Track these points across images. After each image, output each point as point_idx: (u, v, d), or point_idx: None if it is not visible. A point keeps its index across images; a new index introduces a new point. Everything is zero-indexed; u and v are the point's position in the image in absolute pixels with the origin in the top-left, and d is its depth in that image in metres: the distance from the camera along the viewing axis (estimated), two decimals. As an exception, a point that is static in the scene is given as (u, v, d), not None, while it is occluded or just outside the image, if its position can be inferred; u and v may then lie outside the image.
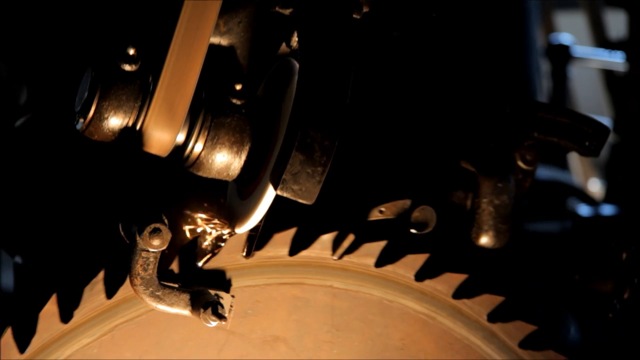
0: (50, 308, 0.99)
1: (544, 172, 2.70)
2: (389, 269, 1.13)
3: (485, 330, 1.17)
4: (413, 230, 1.20)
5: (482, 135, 1.29)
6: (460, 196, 1.29)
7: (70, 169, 1.29)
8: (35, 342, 0.99)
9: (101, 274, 1.01)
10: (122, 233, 0.99)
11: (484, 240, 1.26)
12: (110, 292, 1.01)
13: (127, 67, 0.94)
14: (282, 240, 1.10)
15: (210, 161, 1.01)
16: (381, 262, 1.13)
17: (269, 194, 1.00)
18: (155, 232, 0.94)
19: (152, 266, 0.97)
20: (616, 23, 3.40)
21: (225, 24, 1.02)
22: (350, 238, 1.13)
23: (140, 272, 0.96)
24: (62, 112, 1.24)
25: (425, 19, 1.37)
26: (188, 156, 1.01)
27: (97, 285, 1.01)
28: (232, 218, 1.12)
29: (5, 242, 1.34)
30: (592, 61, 3.45)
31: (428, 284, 1.15)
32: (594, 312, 1.57)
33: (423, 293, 1.15)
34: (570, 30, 3.77)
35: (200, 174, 1.04)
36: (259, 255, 1.09)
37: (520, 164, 1.28)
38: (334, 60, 0.98)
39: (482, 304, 1.17)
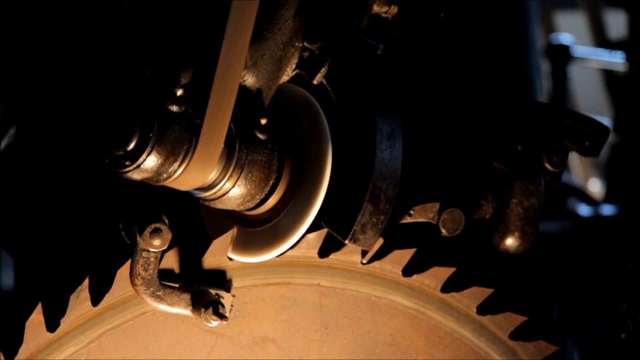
0: (36, 317, 0.99)
1: None
2: (376, 265, 1.13)
3: (475, 322, 1.17)
4: (443, 232, 1.20)
5: (511, 137, 1.30)
6: (488, 198, 1.29)
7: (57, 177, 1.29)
8: (23, 352, 0.99)
9: (86, 282, 1.01)
10: (122, 233, 0.99)
11: (510, 241, 1.26)
12: (95, 299, 1.00)
13: (175, 109, 0.91)
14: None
15: (236, 196, 1.01)
16: (368, 258, 1.13)
17: (302, 229, 1.03)
18: (156, 232, 0.94)
19: (152, 266, 0.97)
20: (616, 23, 3.41)
21: (251, 58, 1.02)
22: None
23: (140, 272, 0.96)
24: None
25: (433, 20, 1.38)
26: (214, 193, 1.00)
27: (82, 293, 1.00)
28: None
29: (5, 242, 1.33)
30: (592, 61, 3.46)
31: (416, 278, 1.14)
32: (607, 329, 1.57)
33: (411, 288, 1.15)
34: (570, 30, 3.77)
35: (218, 207, 1.04)
36: (245, 256, 1.09)
37: (548, 166, 1.29)
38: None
39: (471, 297, 1.17)
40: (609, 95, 3.47)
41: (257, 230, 1.09)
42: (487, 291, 1.17)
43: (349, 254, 1.12)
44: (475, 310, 1.17)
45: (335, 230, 1.04)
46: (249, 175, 0.99)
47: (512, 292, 1.24)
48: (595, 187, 3.61)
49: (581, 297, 1.59)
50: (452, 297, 1.16)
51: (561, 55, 3.34)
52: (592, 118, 1.33)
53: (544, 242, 2.06)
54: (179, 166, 0.92)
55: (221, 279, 1.08)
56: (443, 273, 1.16)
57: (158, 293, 0.98)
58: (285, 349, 1.10)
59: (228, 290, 1.06)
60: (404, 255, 1.14)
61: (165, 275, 1.01)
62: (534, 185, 1.24)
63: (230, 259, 1.07)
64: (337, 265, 1.12)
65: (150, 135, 0.89)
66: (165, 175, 0.92)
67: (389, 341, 1.14)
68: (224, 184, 0.98)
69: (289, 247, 1.05)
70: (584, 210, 2.75)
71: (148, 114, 0.90)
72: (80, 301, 1.01)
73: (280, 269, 1.10)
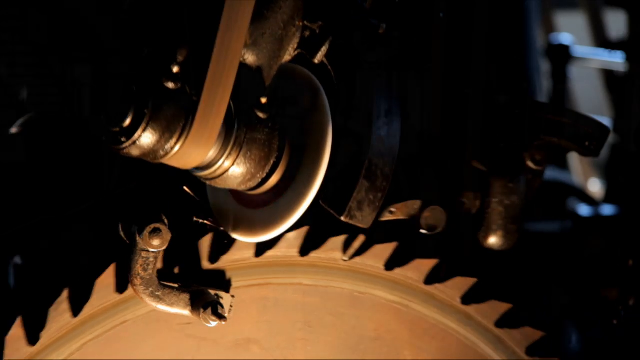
0: (16, 332, 0.99)
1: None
2: (357, 261, 1.12)
3: (460, 313, 1.17)
4: (423, 231, 1.19)
5: (492, 136, 1.29)
6: (470, 196, 1.28)
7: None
8: (5, 367, 0.99)
9: (65, 293, 1.00)
10: (122, 233, 0.99)
11: (493, 240, 1.25)
12: (75, 310, 1.00)
13: (171, 85, 0.91)
14: (246, 243, 1.09)
15: (236, 175, 0.99)
16: (350, 255, 1.12)
17: (303, 207, 1.01)
18: (155, 232, 0.94)
19: (152, 266, 0.97)
20: (616, 23, 3.39)
21: (251, 36, 1.01)
22: (316, 234, 1.12)
23: (140, 272, 0.96)
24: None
25: (432, 19, 1.37)
26: (214, 171, 0.99)
27: (61, 305, 1.00)
28: (229, 222, 1.11)
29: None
30: (592, 61, 3.44)
31: (398, 272, 1.14)
32: (599, 317, 1.58)
33: (394, 282, 1.14)
34: (570, 30, 3.75)
35: (219, 185, 1.02)
36: (225, 259, 1.08)
37: (530, 164, 1.28)
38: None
39: (454, 287, 1.16)
40: (609, 95, 3.47)
41: (259, 211, 1.08)
42: (471, 281, 1.17)
43: (330, 251, 1.12)
44: (459, 300, 1.16)
45: (332, 207, 1.03)
46: (249, 153, 0.98)
47: (497, 281, 1.24)
48: (595, 187, 3.61)
49: (576, 291, 1.59)
50: (436, 289, 1.15)
51: (561, 55, 3.32)
52: (592, 118, 1.33)
53: (544, 242, 2.07)
54: (176, 143, 0.91)
55: (220, 279, 1.07)
56: (425, 265, 1.15)
57: (157, 293, 0.98)
58: (269, 349, 1.09)
59: (227, 290, 1.06)
60: (385, 250, 1.13)
61: (164, 276, 1.01)
62: (513, 183, 1.24)
63: (231, 241, 1.07)
64: (319, 263, 1.12)
65: (145, 111, 0.89)
66: (162, 153, 0.91)
67: (373, 336, 1.13)
68: (223, 162, 0.97)
69: (290, 225, 1.04)
70: (584, 210, 2.74)
71: (144, 90, 0.90)
72: (59, 313, 1.00)
73: (261, 269, 1.10)
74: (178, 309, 1.00)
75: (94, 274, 1.01)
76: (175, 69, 0.90)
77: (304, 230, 1.10)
